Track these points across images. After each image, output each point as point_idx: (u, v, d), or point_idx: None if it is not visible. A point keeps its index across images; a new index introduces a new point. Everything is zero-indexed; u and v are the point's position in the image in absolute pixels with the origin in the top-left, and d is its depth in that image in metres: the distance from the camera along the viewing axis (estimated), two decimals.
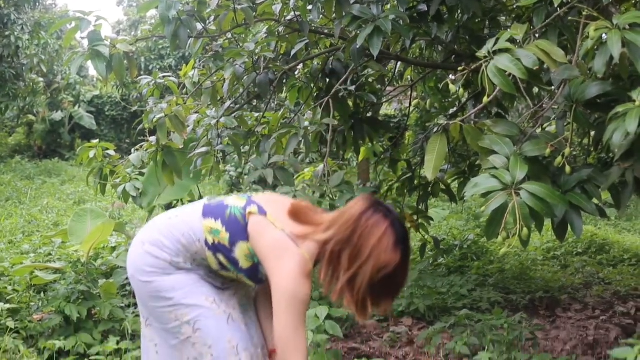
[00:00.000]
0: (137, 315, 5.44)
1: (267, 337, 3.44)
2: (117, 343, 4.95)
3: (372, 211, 3.11)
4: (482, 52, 3.53)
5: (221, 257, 3.21)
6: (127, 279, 6.06)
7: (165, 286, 3.19)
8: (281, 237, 3.14)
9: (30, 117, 27.68)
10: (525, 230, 3.19)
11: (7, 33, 19.18)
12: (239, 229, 3.19)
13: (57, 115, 27.15)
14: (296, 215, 3.21)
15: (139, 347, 4.72)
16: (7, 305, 5.48)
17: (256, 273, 3.22)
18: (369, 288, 3.07)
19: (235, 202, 3.30)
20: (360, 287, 3.05)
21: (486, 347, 5.13)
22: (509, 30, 3.68)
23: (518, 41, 3.56)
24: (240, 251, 3.18)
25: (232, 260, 3.21)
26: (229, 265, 3.22)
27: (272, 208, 3.27)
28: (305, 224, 3.18)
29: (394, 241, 3.09)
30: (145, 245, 3.24)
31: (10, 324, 5.24)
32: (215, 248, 3.19)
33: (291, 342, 3.05)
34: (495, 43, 3.49)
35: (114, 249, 6.84)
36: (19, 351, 4.93)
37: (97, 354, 4.94)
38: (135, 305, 5.75)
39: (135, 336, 5.24)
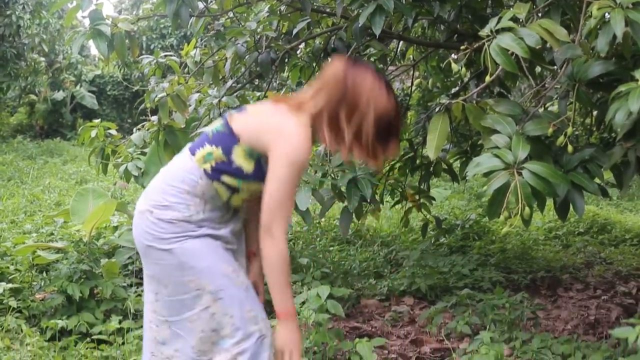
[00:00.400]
0: (139, 295, 5.45)
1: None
2: (120, 322, 4.96)
3: (352, 66, 3.15)
4: (484, 31, 3.52)
5: (226, 179, 3.17)
6: (129, 258, 6.08)
7: (188, 252, 3.15)
8: (272, 114, 3.19)
9: (32, 96, 27.65)
10: (527, 209, 3.18)
11: (8, 12, 19.12)
12: (226, 137, 3.18)
13: (59, 95, 27.12)
14: (279, 100, 3.27)
15: (141, 326, 4.74)
16: (10, 285, 5.49)
17: (263, 170, 3.15)
18: (375, 137, 3.11)
19: (213, 124, 3.33)
20: (367, 138, 3.09)
21: (487, 327, 5.14)
22: (511, 9, 3.66)
23: (521, 20, 3.55)
24: (238, 157, 3.16)
25: (236, 173, 3.17)
26: (236, 181, 3.19)
27: (252, 107, 3.36)
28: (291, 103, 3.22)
29: (385, 87, 3.16)
30: (153, 213, 3.19)
31: (13, 303, 5.25)
32: (217, 172, 3.17)
33: (280, 208, 3.07)
34: (498, 22, 3.48)
35: (115, 228, 6.84)
36: (21, 330, 4.94)
37: (100, 333, 4.96)
38: (138, 284, 5.77)
39: (137, 315, 5.26)
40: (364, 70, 3.15)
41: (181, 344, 3.24)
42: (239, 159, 3.16)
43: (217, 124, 3.29)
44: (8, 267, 5.93)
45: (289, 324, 3.17)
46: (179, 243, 3.16)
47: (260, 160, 3.17)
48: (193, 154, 3.23)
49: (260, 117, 3.22)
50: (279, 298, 3.16)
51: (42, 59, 23.97)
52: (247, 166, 3.17)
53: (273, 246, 3.10)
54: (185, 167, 3.24)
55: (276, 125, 3.11)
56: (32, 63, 22.15)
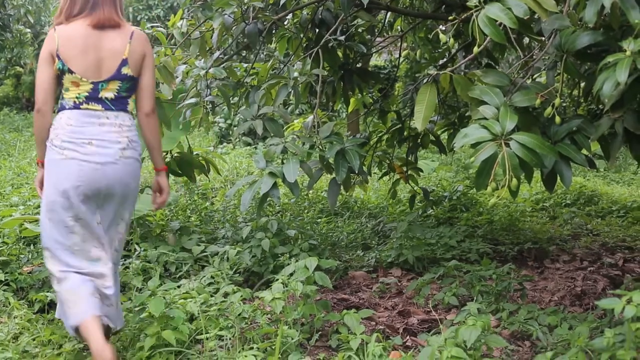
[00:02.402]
0: (127, 267, 5.45)
1: None
2: None
3: None
4: (472, 2, 3.50)
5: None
6: None
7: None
8: (135, 30, 4.25)
9: (18, 68, 27.47)
10: (514, 181, 3.18)
11: None
12: (135, 83, 4.21)
13: None
14: (103, 26, 4.11)
15: (129, 299, 4.74)
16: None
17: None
18: None
19: (111, 90, 4.10)
20: None
21: (475, 298, 5.16)
22: None
23: None
24: (127, 70, 4.15)
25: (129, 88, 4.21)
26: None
27: (111, 45, 4.14)
28: None
29: None
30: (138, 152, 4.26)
31: (0, 276, 5.24)
32: (127, 93, 4.20)
33: None
34: None
35: None
36: (9, 303, 4.93)
37: None
38: (125, 256, 5.77)
39: (125, 287, 5.26)
40: None
41: None
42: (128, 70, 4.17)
43: (117, 88, 4.11)
44: None
45: (164, 174, 4.52)
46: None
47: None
48: (127, 111, 4.21)
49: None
50: (160, 157, 4.52)
51: (28, 30, 23.81)
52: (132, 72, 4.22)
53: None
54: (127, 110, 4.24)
55: None
56: (18, 34, 21.99)
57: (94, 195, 4.02)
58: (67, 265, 3.98)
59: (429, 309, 5.26)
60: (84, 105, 4.04)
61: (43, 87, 4.03)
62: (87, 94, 4.04)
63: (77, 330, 3.88)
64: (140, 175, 4.34)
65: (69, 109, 4.05)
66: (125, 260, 5.69)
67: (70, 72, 3.99)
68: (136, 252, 5.84)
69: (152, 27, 6.31)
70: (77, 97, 4.04)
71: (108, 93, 4.06)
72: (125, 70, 4.08)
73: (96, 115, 4.04)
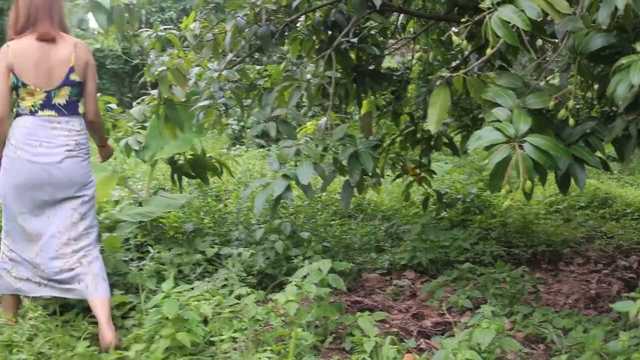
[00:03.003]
0: (141, 269, 5.45)
1: None
2: (121, 297, 4.96)
3: None
4: (485, 4, 3.49)
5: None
6: (130, 232, 6.08)
7: None
8: (78, 42, 4.66)
9: None
10: (528, 183, 3.17)
11: None
12: (82, 88, 4.63)
13: None
14: (45, 40, 4.50)
15: (144, 301, 4.74)
16: None
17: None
18: None
19: (62, 96, 4.54)
20: None
21: (488, 300, 5.15)
22: None
23: None
24: (76, 75, 4.58)
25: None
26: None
27: (56, 55, 4.55)
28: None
29: None
30: (87, 155, 4.71)
31: None
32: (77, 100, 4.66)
33: None
34: None
35: (116, 202, 6.84)
36: (23, 305, 4.94)
37: None
38: (140, 258, 5.78)
39: (139, 289, 5.26)
40: None
41: None
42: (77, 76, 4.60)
43: (67, 94, 4.54)
44: None
45: (108, 147, 5.32)
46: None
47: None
48: (79, 114, 4.67)
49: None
50: (102, 140, 5.15)
51: None
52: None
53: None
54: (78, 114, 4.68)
55: None
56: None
57: (42, 192, 4.53)
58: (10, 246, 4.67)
59: (442, 312, 5.25)
60: (39, 113, 4.51)
61: (2, 96, 4.45)
62: (41, 102, 4.50)
63: None
64: (90, 171, 4.77)
65: (25, 115, 4.54)
66: (139, 262, 5.70)
67: (24, 85, 4.45)
68: (150, 254, 5.84)
69: (165, 29, 6.33)
70: (32, 106, 4.50)
71: (60, 99, 4.54)
72: (73, 77, 4.54)
73: (49, 120, 4.53)
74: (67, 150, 4.55)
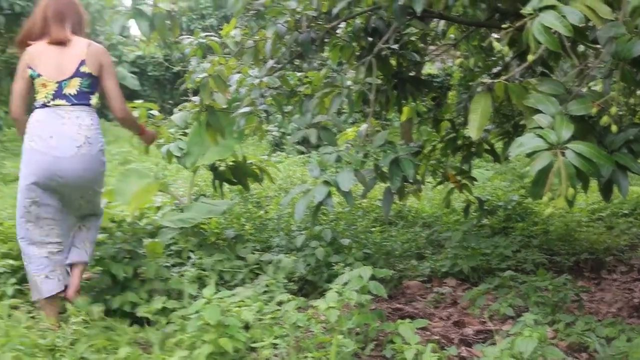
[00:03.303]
0: (182, 275, 5.48)
1: None
2: (163, 302, 4.98)
3: None
4: (526, 9, 3.47)
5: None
6: (172, 238, 6.12)
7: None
8: (92, 44, 5.03)
9: None
10: (570, 190, 3.15)
11: None
12: (96, 82, 5.02)
13: None
14: (58, 43, 4.98)
15: (184, 306, 4.77)
16: None
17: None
18: None
19: (72, 87, 4.92)
20: None
21: (530, 309, 5.12)
22: None
23: None
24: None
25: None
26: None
27: (68, 53, 4.98)
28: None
29: None
30: (102, 151, 5.03)
31: None
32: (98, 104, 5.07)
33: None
34: (541, 0, 3.43)
35: (158, 208, 6.88)
36: (66, 310, 4.99)
37: (143, 313, 4.98)
38: (181, 264, 5.81)
39: (180, 294, 5.29)
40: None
41: None
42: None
43: (78, 85, 4.92)
44: None
45: (147, 132, 5.76)
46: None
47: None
48: (89, 105, 4.98)
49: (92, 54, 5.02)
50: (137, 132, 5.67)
51: None
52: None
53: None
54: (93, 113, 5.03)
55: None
56: None
57: (52, 183, 4.87)
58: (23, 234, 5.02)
59: (484, 320, 5.23)
60: (51, 103, 4.91)
61: (17, 95, 5.03)
62: (53, 92, 4.91)
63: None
64: (102, 166, 5.09)
65: (39, 108, 4.94)
66: (180, 268, 5.73)
67: (39, 75, 4.92)
68: (191, 260, 5.87)
69: (206, 36, 6.36)
70: (45, 97, 4.92)
71: (70, 89, 4.93)
72: (83, 69, 4.95)
73: (60, 115, 4.89)
74: (77, 146, 4.87)
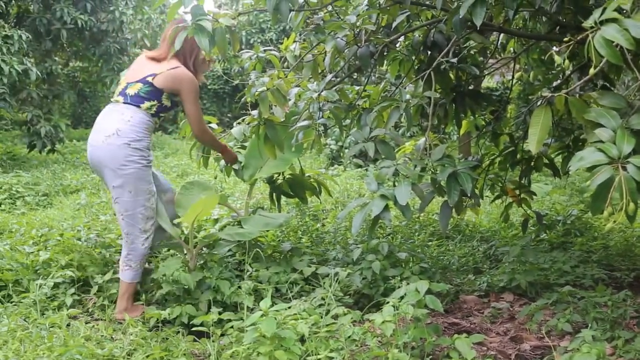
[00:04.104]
0: (239, 287, 5.51)
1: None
2: (219, 314, 5.02)
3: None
4: (588, 23, 3.45)
5: (160, 114, 5.72)
6: (229, 250, 6.15)
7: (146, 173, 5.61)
8: (170, 70, 5.61)
9: None
10: (631, 205, 3.11)
11: (111, 8, 19.49)
12: (156, 92, 5.60)
13: None
14: (155, 58, 5.73)
15: (241, 318, 4.79)
16: (115, 275, 5.66)
17: (175, 104, 5.79)
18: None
19: (136, 88, 5.59)
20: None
21: (589, 325, 5.05)
22: None
23: (625, 10, 3.47)
24: (164, 99, 5.66)
25: (165, 108, 5.71)
26: (163, 115, 5.76)
27: (149, 67, 5.66)
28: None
29: None
30: (131, 145, 5.45)
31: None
32: (156, 114, 5.67)
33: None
34: (602, 13, 3.40)
35: (216, 221, 6.93)
36: (124, 320, 5.04)
37: (201, 324, 5.02)
38: (238, 276, 5.84)
39: (237, 307, 5.31)
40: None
41: None
42: (166, 101, 5.67)
43: (142, 87, 5.57)
44: (112, 257, 6.08)
45: (228, 152, 6.43)
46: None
47: (172, 98, 5.72)
48: (139, 106, 5.55)
49: (172, 73, 5.62)
50: (218, 150, 6.40)
51: None
52: (168, 103, 5.70)
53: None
54: (142, 118, 5.56)
55: (181, 81, 5.64)
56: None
57: (95, 173, 5.91)
58: None
59: (542, 335, 5.17)
60: (113, 98, 5.72)
61: None
62: (120, 90, 5.69)
63: None
64: (123, 158, 5.46)
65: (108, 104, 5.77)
66: (237, 280, 5.76)
67: (124, 75, 5.85)
68: (248, 273, 5.90)
69: (265, 50, 6.40)
70: (113, 93, 5.79)
71: (131, 90, 5.60)
72: (150, 79, 5.59)
73: (111, 109, 5.64)
74: (106, 136, 5.45)
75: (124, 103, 5.58)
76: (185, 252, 5.85)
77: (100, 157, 5.47)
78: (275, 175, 6.78)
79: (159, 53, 5.71)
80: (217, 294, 5.53)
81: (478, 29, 4.66)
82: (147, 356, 4.47)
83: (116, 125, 5.47)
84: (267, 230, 6.69)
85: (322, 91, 5.66)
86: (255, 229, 6.19)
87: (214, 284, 5.55)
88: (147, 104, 5.59)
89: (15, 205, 11.63)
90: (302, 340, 4.43)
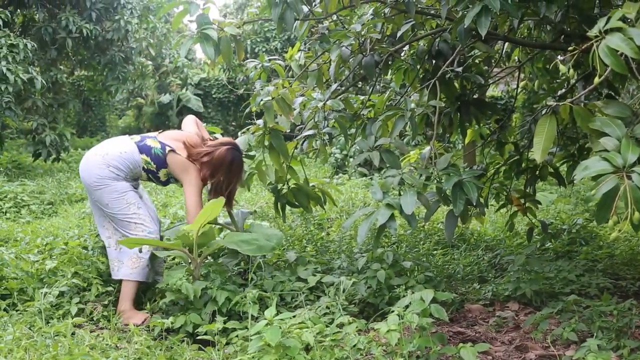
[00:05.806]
0: (244, 296, 5.51)
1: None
2: (224, 322, 5.01)
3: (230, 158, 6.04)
4: (593, 32, 3.46)
5: (150, 175, 6.06)
6: (233, 259, 6.14)
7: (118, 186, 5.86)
8: (185, 161, 5.98)
9: (139, 99, 28.28)
10: (636, 214, 3.11)
11: (116, 17, 19.55)
12: (161, 162, 5.97)
13: (165, 98, 27.70)
14: (188, 148, 6.02)
15: (246, 327, 4.79)
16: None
17: (167, 182, 6.19)
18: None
19: (153, 144, 6.00)
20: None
21: (595, 334, 5.04)
22: (620, 8, 3.59)
23: (630, 20, 3.47)
24: (162, 173, 6.04)
25: (156, 177, 6.07)
26: (153, 178, 6.11)
27: (176, 144, 6.02)
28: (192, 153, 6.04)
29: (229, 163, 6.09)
30: (110, 167, 5.81)
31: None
32: (148, 171, 6.02)
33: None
34: (607, 22, 3.41)
35: (221, 229, 6.93)
36: (129, 329, 5.04)
37: (205, 333, 5.02)
38: (242, 285, 5.84)
39: (242, 316, 5.31)
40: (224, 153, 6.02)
41: None
42: (161, 174, 6.07)
43: (157, 146, 5.99)
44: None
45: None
46: (113, 181, 5.93)
47: (170, 179, 6.15)
48: (141, 153, 5.95)
49: (181, 160, 5.99)
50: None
51: (149, 62, 24.48)
52: (163, 178, 6.11)
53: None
54: (135, 158, 5.92)
55: (187, 172, 6.00)
56: (140, 67, 22.60)
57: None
58: None
59: (547, 345, 5.17)
60: (135, 135, 6.27)
61: None
62: (146, 133, 6.36)
63: None
64: (100, 172, 5.83)
65: None
66: (241, 289, 5.75)
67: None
68: (252, 281, 5.90)
69: (270, 59, 6.41)
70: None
71: (149, 142, 6.05)
72: (167, 150, 6.00)
73: (123, 137, 6.20)
74: (95, 153, 5.95)
75: (134, 142, 6.02)
76: (189, 261, 5.85)
77: (82, 168, 5.97)
78: (280, 185, 6.78)
79: (198, 143, 6.13)
80: (221, 303, 5.53)
81: (483, 38, 4.67)
82: None
83: (110, 149, 5.94)
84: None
85: (327, 100, 5.67)
86: (260, 239, 6.17)
87: (216, 295, 5.54)
88: (147, 158, 5.99)
89: (21, 214, 11.66)
90: (307, 349, 4.43)
